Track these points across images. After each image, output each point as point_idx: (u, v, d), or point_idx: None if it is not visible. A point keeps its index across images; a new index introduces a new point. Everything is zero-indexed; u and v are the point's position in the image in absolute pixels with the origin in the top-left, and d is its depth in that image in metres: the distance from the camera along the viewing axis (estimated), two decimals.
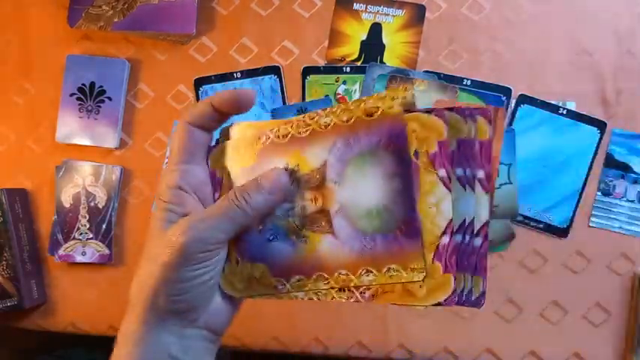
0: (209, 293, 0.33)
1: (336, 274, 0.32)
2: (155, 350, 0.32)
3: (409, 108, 0.31)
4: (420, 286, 0.29)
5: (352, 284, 0.31)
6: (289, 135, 0.33)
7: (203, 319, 0.33)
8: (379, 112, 0.31)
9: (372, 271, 0.31)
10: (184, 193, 0.33)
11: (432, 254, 0.29)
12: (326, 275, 0.32)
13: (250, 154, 0.34)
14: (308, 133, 0.33)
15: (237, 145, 0.35)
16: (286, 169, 0.33)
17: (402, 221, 0.30)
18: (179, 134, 0.34)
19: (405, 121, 0.30)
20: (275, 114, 0.69)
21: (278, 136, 0.34)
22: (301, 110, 0.69)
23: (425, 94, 0.67)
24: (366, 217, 0.31)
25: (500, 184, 0.67)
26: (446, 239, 0.29)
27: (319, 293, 0.32)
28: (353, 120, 0.32)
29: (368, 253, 0.31)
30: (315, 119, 0.33)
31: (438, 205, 0.30)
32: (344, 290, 0.32)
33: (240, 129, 0.36)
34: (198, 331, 0.33)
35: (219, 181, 0.35)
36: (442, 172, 0.30)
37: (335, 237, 0.32)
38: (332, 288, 0.32)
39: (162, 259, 0.31)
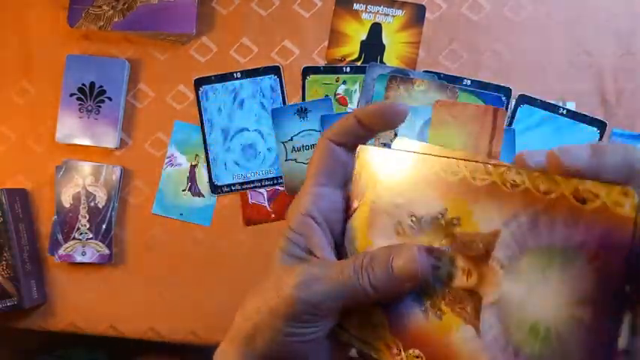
0: (312, 349, 0.29)
1: None
2: None
3: None
4: None
5: None
6: (460, 175, 0.26)
7: None
8: (597, 204, 0.21)
9: None
10: (314, 223, 0.29)
11: None
12: None
13: (409, 181, 0.27)
14: (486, 183, 0.25)
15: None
16: (430, 251, 0.26)
17: (592, 343, 0.21)
18: (319, 152, 0.30)
19: (637, 233, 0.20)
20: (275, 114, 0.69)
21: (445, 170, 0.27)
22: (301, 110, 0.69)
23: (425, 94, 0.66)
24: (528, 333, 0.22)
25: None
26: None
27: None
28: (554, 196, 0.22)
29: None
30: (501, 171, 0.24)
31: None
32: None
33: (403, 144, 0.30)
34: None
35: (363, 191, 0.29)
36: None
37: (478, 334, 0.24)
38: None
39: (270, 303, 0.28)
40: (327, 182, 0.30)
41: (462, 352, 0.24)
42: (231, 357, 0.30)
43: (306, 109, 0.69)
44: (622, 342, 0.20)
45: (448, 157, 0.27)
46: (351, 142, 0.30)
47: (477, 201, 0.24)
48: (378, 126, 0.30)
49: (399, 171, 0.28)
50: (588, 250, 0.21)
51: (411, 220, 0.27)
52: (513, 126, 0.68)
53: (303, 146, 0.69)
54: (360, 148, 0.30)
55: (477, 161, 0.26)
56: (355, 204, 0.30)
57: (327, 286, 0.27)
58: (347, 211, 0.30)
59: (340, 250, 0.31)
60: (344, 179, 0.30)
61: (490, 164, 0.25)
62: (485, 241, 0.24)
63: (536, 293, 0.22)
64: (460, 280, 0.25)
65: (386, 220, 0.28)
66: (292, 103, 0.70)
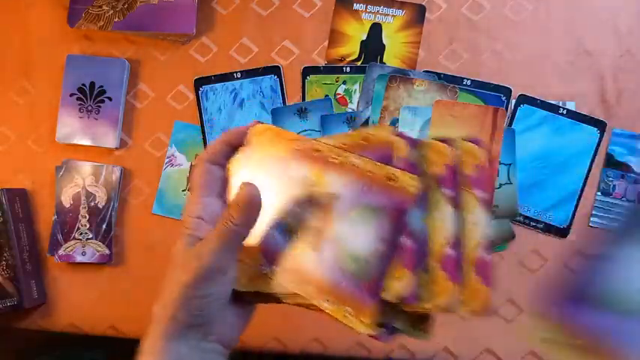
0: (222, 307, 0.38)
1: (304, 285, 0.36)
2: None
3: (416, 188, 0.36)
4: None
5: (313, 302, 0.36)
6: (321, 152, 0.37)
7: (216, 333, 0.38)
8: (397, 183, 0.36)
9: (333, 303, 0.36)
10: (203, 222, 0.37)
11: (474, 268, 0.37)
12: (297, 281, 0.37)
13: (286, 148, 0.38)
14: (337, 162, 0.37)
15: (272, 137, 0.39)
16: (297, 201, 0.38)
17: (372, 280, 0.35)
18: (198, 172, 0.39)
19: (409, 199, 0.36)
20: (275, 114, 0.69)
21: (311, 148, 0.37)
22: (301, 110, 0.69)
23: (425, 94, 0.69)
24: (350, 258, 0.35)
25: (501, 184, 0.67)
26: (486, 256, 0.37)
27: (287, 294, 0.38)
28: (375, 176, 0.36)
29: (337, 287, 0.35)
30: (346, 156, 0.37)
31: (476, 224, 0.37)
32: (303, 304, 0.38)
33: (263, 128, 0.39)
34: (212, 345, 0.38)
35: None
36: (480, 193, 0.37)
37: (318, 257, 0.36)
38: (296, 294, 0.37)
39: (181, 279, 0.36)
40: (208, 193, 0.38)
41: (306, 267, 0.36)
42: (158, 341, 0.38)
43: (306, 109, 0.69)
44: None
45: (309, 140, 0.38)
46: (222, 161, 0.39)
47: (329, 172, 0.37)
48: (241, 144, 0.39)
49: (283, 139, 0.39)
50: (387, 210, 0.35)
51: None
52: (513, 126, 0.68)
53: None
54: (230, 162, 0.40)
55: (331, 145, 0.37)
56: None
57: (213, 243, 0.36)
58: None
59: None
60: (220, 190, 0.39)
61: (340, 148, 0.37)
62: (332, 198, 0.36)
63: (359, 234, 0.35)
64: (313, 221, 0.37)
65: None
66: (292, 103, 0.70)
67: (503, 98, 0.68)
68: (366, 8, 0.70)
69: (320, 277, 0.36)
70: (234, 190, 0.38)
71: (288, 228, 0.38)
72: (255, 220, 0.37)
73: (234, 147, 0.39)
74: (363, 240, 0.35)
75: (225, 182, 0.40)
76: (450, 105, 0.67)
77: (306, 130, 0.69)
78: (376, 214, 0.35)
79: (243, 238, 0.37)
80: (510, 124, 0.68)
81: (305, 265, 0.37)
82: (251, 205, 0.37)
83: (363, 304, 0.34)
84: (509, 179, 0.67)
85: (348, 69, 0.69)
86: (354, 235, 0.35)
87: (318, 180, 0.37)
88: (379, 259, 0.35)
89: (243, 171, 0.39)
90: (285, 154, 0.38)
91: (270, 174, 0.38)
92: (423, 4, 0.69)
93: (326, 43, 0.70)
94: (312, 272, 0.36)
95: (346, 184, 0.36)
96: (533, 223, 0.68)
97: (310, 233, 0.37)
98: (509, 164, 0.67)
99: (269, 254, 0.38)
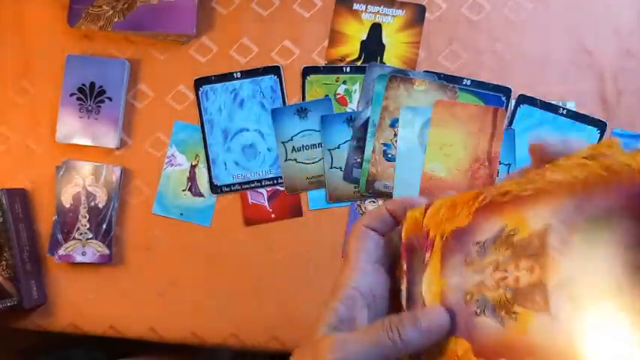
0: None
1: None
2: None
3: None
4: None
5: None
6: (510, 192, 0.28)
7: None
8: (615, 166, 0.24)
9: None
10: (358, 296, 0.33)
11: None
12: None
13: (466, 212, 0.31)
14: (533, 191, 0.27)
15: (454, 202, 0.32)
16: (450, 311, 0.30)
17: None
18: (356, 235, 0.35)
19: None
20: (275, 114, 0.69)
21: (499, 194, 0.29)
22: (301, 110, 0.69)
23: (425, 94, 0.67)
24: (600, 295, 0.24)
25: None
26: None
27: None
28: (586, 178, 0.25)
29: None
30: (542, 175, 0.27)
31: None
32: None
33: (438, 206, 0.33)
34: None
35: (432, 242, 0.32)
36: None
37: (551, 316, 0.25)
38: None
39: None
40: (367, 260, 0.34)
41: (540, 338, 0.25)
42: None
43: (306, 109, 0.69)
44: None
45: (492, 186, 0.30)
46: (381, 229, 0.35)
47: (527, 207, 0.27)
48: (403, 217, 0.35)
49: (463, 202, 0.31)
50: (624, 205, 0.23)
51: (477, 248, 0.29)
52: (513, 126, 0.68)
53: (303, 146, 0.69)
54: (408, 212, 0.34)
55: (521, 178, 0.28)
56: (427, 255, 0.32)
57: (359, 345, 0.30)
58: (424, 245, 0.33)
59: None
60: (379, 258, 0.35)
61: (532, 173, 0.28)
62: (539, 236, 0.26)
63: (594, 261, 0.23)
64: (526, 279, 0.26)
65: (455, 258, 0.31)
66: (292, 103, 0.70)
67: (503, 98, 0.68)
68: (366, 8, 0.70)
69: (565, 341, 0.24)
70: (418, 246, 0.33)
71: (499, 305, 0.28)
72: (424, 350, 0.31)
73: (394, 218, 0.35)
74: (607, 264, 0.23)
75: (390, 253, 0.35)
76: (450, 105, 0.67)
77: (305, 130, 0.69)
78: (609, 220, 0.24)
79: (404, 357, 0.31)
80: (510, 124, 0.68)
81: (538, 337, 0.25)
82: (433, 333, 0.30)
83: None
84: None
85: (348, 69, 0.69)
86: (590, 266, 0.24)
87: (518, 224, 0.27)
88: None
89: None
90: (467, 222, 0.30)
91: (455, 250, 0.31)
92: (423, 4, 0.69)
93: (326, 43, 0.70)
94: (552, 340, 0.25)
95: (554, 208, 0.26)
96: None
97: (530, 295, 0.26)
98: (509, 164, 0.67)
99: (483, 349, 0.28)
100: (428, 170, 0.67)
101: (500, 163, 0.67)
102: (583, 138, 0.68)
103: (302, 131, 0.69)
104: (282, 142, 0.69)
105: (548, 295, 0.25)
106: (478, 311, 0.29)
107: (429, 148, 0.67)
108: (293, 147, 0.69)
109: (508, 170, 0.67)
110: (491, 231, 0.29)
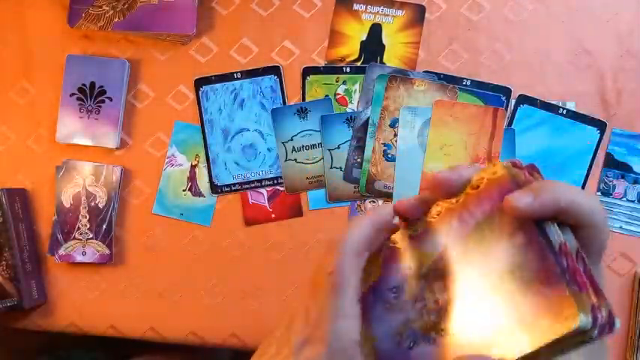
0: None
1: (490, 350, 0.28)
2: None
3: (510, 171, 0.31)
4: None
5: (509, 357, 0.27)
6: (407, 237, 0.34)
7: None
8: (484, 182, 0.31)
9: (524, 333, 0.27)
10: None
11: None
12: (477, 354, 0.29)
13: (376, 268, 0.34)
14: (423, 229, 0.33)
15: (368, 262, 0.34)
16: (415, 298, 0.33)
17: (540, 269, 0.27)
18: (350, 266, 0.32)
19: (509, 174, 0.30)
20: (275, 114, 0.69)
21: (395, 242, 0.34)
22: (301, 110, 0.69)
23: (425, 94, 0.68)
24: (501, 282, 0.29)
25: None
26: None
27: None
28: (462, 198, 0.32)
29: (513, 317, 0.28)
30: (428, 212, 0.33)
31: None
32: None
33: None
34: None
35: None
36: None
37: (472, 314, 0.29)
38: None
39: None
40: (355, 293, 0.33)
41: (470, 334, 0.29)
42: None
43: (306, 109, 0.69)
44: (556, 240, 0.27)
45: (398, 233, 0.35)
46: (365, 251, 0.34)
47: (423, 242, 0.33)
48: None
49: (372, 259, 0.34)
50: (496, 206, 0.29)
51: (392, 293, 0.33)
52: (513, 126, 0.68)
53: (303, 146, 0.69)
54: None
55: (412, 221, 0.34)
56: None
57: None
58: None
59: None
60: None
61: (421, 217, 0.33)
62: (441, 258, 0.31)
63: (489, 256, 0.29)
64: (443, 297, 0.31)
65: (377, 310, 0.34)
66: (292, 103, 0.70)
67: (503, 98, 0.68)
68: (366, 8, 0.70)
69: (491, 325, 0.28)
70: None
71: (426, 329, 0.31)
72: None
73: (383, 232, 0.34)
74: (499, 254, 0.29)
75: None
76: (450, 105, 0.67)
77: (305, 130, 0.69)
78: (490, 222, 0.30)
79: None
80: (510, 124, 0.68)
81: (467, 335, 0.29)
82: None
83: (553, 301, 0.26)
84: None
85: (348, 69, 0.69)
86: (488, 260, 0.29)
87: (421, 259, 0.32)
88: (526, 248, 0.28)
89: None
90: (379, 274, 0.34)
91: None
92: (423, 4, 0.69)
93: (326, 44, 0.70)
94: (480, 331, 0.29)
95: (445, 232, 0.32)
96: None
97: (449, 308, 0.30)
98: None
99: None
100: (428, 170, 0.67)
101: None
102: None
103: (302, 131, 0.69)
104: (282, 142, 0.69)
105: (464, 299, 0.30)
106: (411, 345, 0.31)
107: (429, 148, 0.67)
108: (293, 147, 0.69)
109: None
110: (401, 273, 0.33)
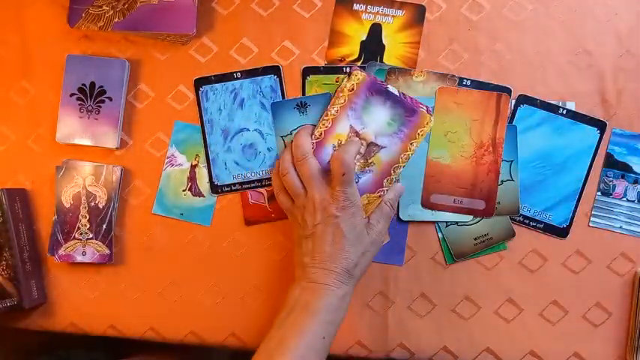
0: None
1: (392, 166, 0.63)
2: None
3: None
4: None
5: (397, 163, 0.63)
6: (323, 132, 0.63)
7: None
8: (356, 85, 0.62)
9: (412, 141, 0.63)
10: None
11: None
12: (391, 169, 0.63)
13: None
14: (331, 122, 0.63)
15: None
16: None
17: (403, 108, 0.63)
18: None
19: (367, 76, 0.63)
20: (274, 108, 0.69)
21: (319, 135, 0.63)
22: (301, 105, 0.69)
23: (424, 85, 0.74)
24: (388, 126, 0.63)
25: (502, 181, 0.67)
26: None
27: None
28: (347, 98, 0.63)
29: (401, 138, 0.63)
30: (330, 114, 0.63)
31: None
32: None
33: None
34: None
35: None
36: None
37: (385, 147, 0.63)
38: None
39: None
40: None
41: (387, 159, 0.64)
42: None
43: (305, 104, 0.69)
44: (397, 93, 0.64)
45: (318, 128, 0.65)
46: None
47: (335, 129, 0.64)
48: None
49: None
50: (369, 93, 0.63)
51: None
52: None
53: None
54: None
55: (323, 119, 0.64)
56: None
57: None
58: None
59: None
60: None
61: (328, 115, 0.64)
62: (352, 130, 0.63)
63: (377, 117, 0.63)
64: (364, 147, 0.63)
65: None
66: (292, 97, 0.70)
67: None
68: (366, 9, 0.70)
69: (394, 150, 0.63)
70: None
71: (363, 168, 0.63)
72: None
73: None
74: (382, 115, 0.63)
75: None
76: (454, 92, 0.67)
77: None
78: (369, 101, 0.63)
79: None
80: (510, 123, 0.68)
81: (385, 160, 0.63)
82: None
83: (416, 123, 0.63)
84: (511, 176, 0.67)
85: (348, 69, 0.69)
86: (378, 119, 0.63)
87: (339, 138, 0.64)
88: (396, 105, 0.63)
89: None
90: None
91: None
92: (423, 4, 0.69)
93: (326, 44, 0.70)
94: (391, 155, 0.63)
95: (346, 118, 0.63)
96: (533, 223, 0.68)
97: (371, 150, 0.63)
98: (511, 161, 0.67)
99: (369, 190, 0.64)
100: (432, 158, 0.67)
101: (502, 160, 0.67)
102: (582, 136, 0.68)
103: (300, 126, 0.69)
104: (281, 137, 0.69)
105: (376, 142, 0.64)
106: (357, 180, 0.64)
107: (433, 135, 0.67)
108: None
109: (510, 167, 0.67)
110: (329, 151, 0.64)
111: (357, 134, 0.62)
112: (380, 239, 0.61)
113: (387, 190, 0.63)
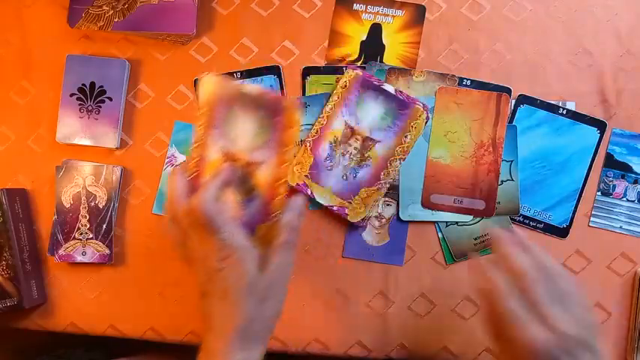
0: None
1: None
2: None
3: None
4: None
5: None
6: (318, 130, 0.67)
7: None
8: (349, 81, 0.66)
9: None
10: None
11: None
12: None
13: (307, 157, 0.67)
14: (326, 120, 0.67)
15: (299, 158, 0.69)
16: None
17: (399, 106, 0.65)
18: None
19: (360, 74, 0.66)
20: None
21: (315, 133, 0.67)
22: (301, 104, 0.69)
23: (424, 85, 0.74)
24: (381, 121, 0.65)
25: (502, 181, 0.67)
26: None
27: None
28: (340, 95, 0.66)
29: (391, 132, 0.65)
30: (325, 111, 0.67)
31: None
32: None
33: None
34: None
35: None
36: None
37: (380, 141, 0.66)
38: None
39: None
40: None
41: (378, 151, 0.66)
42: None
43: (306, 104, 0.69)
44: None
45: None
46: None
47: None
48: None
49: None
50: (360, 91, 0.66)
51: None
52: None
53: (302, 141, 0.69)
54: None
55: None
56: None
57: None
58: None
59: None
60: None
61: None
62: (346, 126, 0.65)
63: (368, 112, 0.66)
64: (358, 144, 0.65)
65: None
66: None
67: None
68: (366, 8, 0.70)
69: None
70: None
71: (358, 163, 0.65)
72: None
73: None
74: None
75: None
76: (454, 92, 0.67)
77: (305, 125, 0.69)
78: (361, 100, 0.66)
79: None
80: (510, 123, 0.68)
81: None
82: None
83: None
84: (511, 176, 0.67)
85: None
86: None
87: (335, 134, 0.66)
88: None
89: None
90: None
91: None
92: (423, 4, 0.69)
93: (326, 44, 0.70)
94: None
95: (342, 112, 0.66)
96: (533, 223, 0.68)
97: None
98: (511, 161, 0.67)
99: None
100: (432, 158, 0.67)
101: (502, 160, 0.67)
102: (580, 136, 0.68)
103: (301, 125, 0.69)
104: None
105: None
106: (355, 175, 0.66)
107: (432, 135, 0.67)
108: None
109: (510, 167, 0.67)
110: (326, 149, 0.66)
111: (352, 130, 0.64)
112: (283, 274, 0.52)
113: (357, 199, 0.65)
